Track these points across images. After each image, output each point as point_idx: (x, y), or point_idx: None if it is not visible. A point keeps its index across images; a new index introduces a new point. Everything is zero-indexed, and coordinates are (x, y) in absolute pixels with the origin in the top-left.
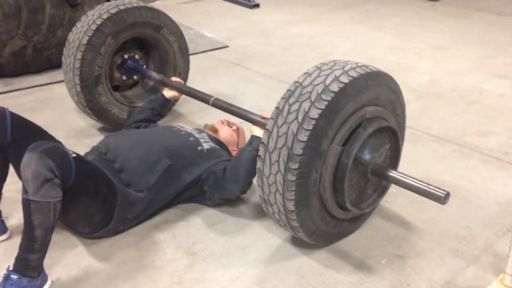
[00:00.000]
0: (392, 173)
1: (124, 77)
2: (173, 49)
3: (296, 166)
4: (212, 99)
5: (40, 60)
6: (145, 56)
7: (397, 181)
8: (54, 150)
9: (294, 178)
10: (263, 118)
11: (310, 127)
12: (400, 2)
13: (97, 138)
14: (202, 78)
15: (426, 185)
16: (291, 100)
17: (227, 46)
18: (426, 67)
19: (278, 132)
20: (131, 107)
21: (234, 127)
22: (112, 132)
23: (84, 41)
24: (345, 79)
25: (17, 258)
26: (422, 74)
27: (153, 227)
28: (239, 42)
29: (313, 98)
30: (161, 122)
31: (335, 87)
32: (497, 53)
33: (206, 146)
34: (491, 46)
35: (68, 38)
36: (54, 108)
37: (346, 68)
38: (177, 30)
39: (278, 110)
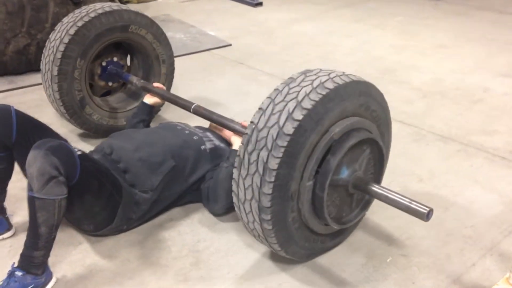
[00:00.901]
0: (374, 188)
1: (110, 83)
2: (148, 41)
3: (268, 217)
4: (193, 106)
5: None
6: (124, 55)
7: (379, 196)
8: (59, 147)
9: (270, 226)
10: (243, 127)
11: (272, 179)
12: (402, 1)
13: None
14: (205, 77)
15: (409, 200)
16: (249, 148)
17: (230, 45)
18: (429, 65)
19: (244, 184)
20: (118, 112)
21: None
22: (115, 132)
23: (55, 72)
24: (298, 115)
25: (21, 255)
26: (425, 73)
27: (157, 225)
28: (242, 40)
29: (269, 146)
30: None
31: (289, 128)
32: (500, 52)
33: (209, 145)
34: (494, 45)
35: (41, 67)
36: None
37: (299, 98)
38: (146, 21)
39: (239, 159)
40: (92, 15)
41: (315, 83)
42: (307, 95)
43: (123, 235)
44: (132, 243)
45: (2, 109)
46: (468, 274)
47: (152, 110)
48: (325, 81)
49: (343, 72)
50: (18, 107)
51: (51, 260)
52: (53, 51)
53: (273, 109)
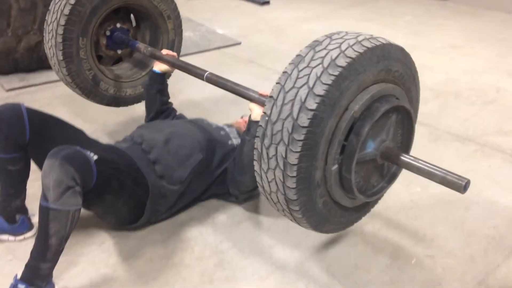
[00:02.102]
0: (405, 158)
1: (119, 51)
2: (148, 0)
3: (297, 208)
4: (206, 74)
5: None
6: (127, 18)
7: (411, 167)
8: (75, 156)
9: (300, 215)
10: (261, 95)
11: (295, 174)
12: (411, 1)
13: (117, 133)
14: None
15: (445, 171)
16: (266, 142)
17: (239, 43)
18: (441, 65)
19: (267, 177)
20: (134, 80)
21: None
22: (144, 123)
23: (60, 57)
24: (312, 104)
25: (27, 266)
26: (438, 73)
27: (179, 225)
28: (251, 39)
29: (286, 140)
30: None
31: (304, 120)
32: (510, 51)
33: (235, 141)
34: (504, 45)
35: (46, 52)
36: (70, 103)
37: (310, 83)
38: None
39: (258, 152)
40: None
41: (326, 62)
42: (318, 78)
43: (145, 234)
44: (154, 242)
45: (13, 108)
46: (494, 275)
47: (164, 78)
48: (337, 57)
49: (356, 38)
50: (30, 105)
51: (73, 260)
52: (53, 35)
53: (284, 98)
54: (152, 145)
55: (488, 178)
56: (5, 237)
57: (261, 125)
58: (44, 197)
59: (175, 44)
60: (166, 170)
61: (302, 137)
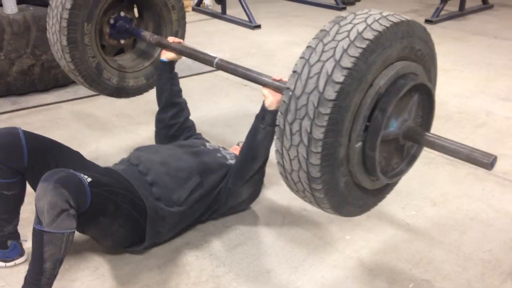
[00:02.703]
0: (429, 137)
1: (122, 41)
2: None
3: (320, 186)
4: (216, 60)
5: (47, 78)
6: (130, 7)
7: (435, 146)
8: (68, 179)
9: (322, 195)
10: (275, 80)
11: (319, 149)
12: None
13: (110, 158)
14: (210, 98)
15: (470, 149)
16: (289, 117)
17: None
18: None
19: (289, 155)
20: (137, 71)
21: None
22: (141, 146)
23: (65, 42)
24: (339, 77)
25: None
26: None
27: (174, 250)
28: (243, 62)
29: (311, 114)
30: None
31: (331, 93)
32: (498, 76)
33: (232, 162)
34: (492, 69)
35: (48, 37)
36: (63, 127)
37: (337, 56)
38: None
39: (280, 129)
40: None
41: (352, 35)
42: (345, 51)
43: (140, 260)
44: (150, 268)
45: (10, 133)
46: None
47: (173, 66)
48: (363, 30)
49: (381, 13)
50: (23, 128)
51: (66, 286)
52: (57, 19)
53: (309, 72)
54: (149, 167)
55: (482, 201)
56: None
57: (284, 101)
58: (38, 220)
59: (178, 36)
60: (164, 192)
61: (328, 111)
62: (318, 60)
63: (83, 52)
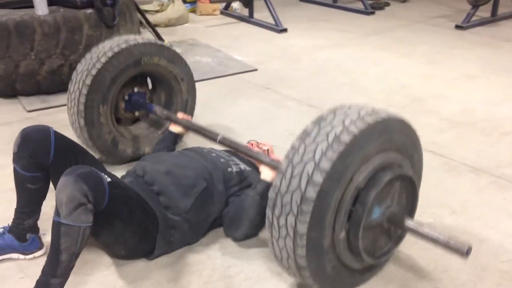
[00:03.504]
0: (409, 224)
1: (136, 113)
2: (162, 66)
3: (308, 274)
4: (219, 137)
5: None
6: (143, 81)
7: (414, 233)
8: (89, 175)
9: (311, 280)
10: (272, 160)
11: (304, 242)
12: (428, 30)
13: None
14: (233, 101)
15: (447, 238)
16: (276, 212)
17: (256, 70)
18: (457, 95)
19: (278, 245)
20: (138, 141)
21: (264, 147)
22: (146, 155)
23: (82, 123)
24: (318, 178)
25: (38, 282)
26: (454, 103)
27: (187, 248)
28: (268, 65)
29: (295, 211)
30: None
31: (311, 193)
32: None
33: (235, 168)
34: None
35: (69, 118)
36: None
37: (316, 158)
38: (156, 48)
39: (269, 222)
40: (103, 60)
41: (330, 138)
42: (323, 154)
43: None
44: (163, 265)
45: (42, 130)
46: None
47: (177, 139)
48: (340, 133)
49: (358, 113)
50: (50, 126)
51: (81, 280)
52: (75, 102)
53: (292, 172)
54: (154, 178)
55: (502, 211)
56: (15, 255)
57: (271, 196)
58: (56, 212)
59: (189, 103)
60: (171, 201)
61: (310, 209)
62: (300, 161)
63: (100, 130)
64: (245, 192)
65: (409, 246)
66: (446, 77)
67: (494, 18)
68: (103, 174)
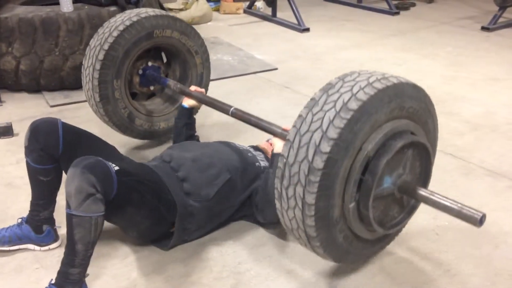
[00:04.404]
0: (422, 192)
1: (151, 87)
2: (175, 39)
3: (318, 243)
4: (231, 109)
5: None
6: (157, 55)
7: (427, 201)
8: (96, 165)
9: (322, 250)
10: (284, 130)
11: (313, 213)
12: (453, 32)
13: (147, 150)
14: (251, 99)
15: (460, 205)
16: (285, 182)
17: (276, 69)
18: (480, 98)
19: (288, 215)
20: (167, 114)
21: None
22: (174, 144)
23: (97, 98)
24: (326, 147)
25: (58, 273)
26: (476, 106)
27: (200, 244)
28: (288, 65)
29: (303, 181)
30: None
31: (319, 162)
32: None
33: (263, 164)
34: None
35: (85, 94)
36: None
37: (324, 127)
38: (168, 20)
39: (278, 192)
40: (115, 34)
41: (338, 105)
42: (331, 122)
43: (168, 252)
44: (175, 260)
45: (50, 122)
46: None
47: (192, 112)
48: (348, 100)
49: (368, 80)
50: (72, 121)
51: (96, 272)
52: (90, 78)
53: (300, 142)
54: (181, 163)
55: None
56: (31, 246)
57: (280, 167)
58: (67, 204)
59: (204, 77)
60: (194, 188)
61: (318, 179)
62: (308, 131)
63: (115, 105)
64: (265, 172)
65: (421, 248)
66: (470, 79)
67: None
68: (109, 163)
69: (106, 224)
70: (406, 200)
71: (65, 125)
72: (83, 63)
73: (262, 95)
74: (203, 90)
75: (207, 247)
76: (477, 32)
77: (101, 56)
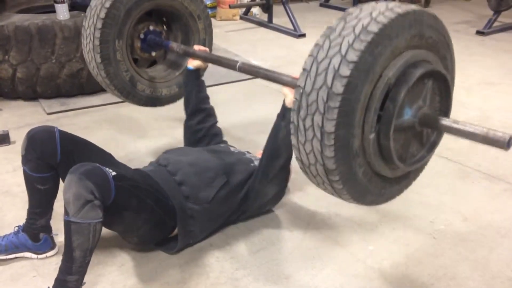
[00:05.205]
0: (444, 122)
1: (153, 53)
2: (178, 1)
3: (337, 178)
4: (238, 64)
5: (94, 82)
6: (159, 20)
7: (451, 130)
8: (93, 171)
9: (340, 186)
10: (295, 79)
11: (332, 142)
12: None
13: (146, 158)
14: (249, 105)
15: (486, 130)
16: (302, 113)
17: None
18: (475, 102)
19: (305, 149)
20: (169, 80)
21: None
22: (170, 149)
23: (99, 60)
24: (345, 71)
25: (56, 280)
26: (471, 109)
27: (197, 250)
28: (284, 70)
29: (322, 109)
30: None
31: (338, 87)
32: None
33: (257, 163)
34: None
35: (84, 56)
36: (107, 128)
37: (343, 51)
38: None
39: (294, 126)
40: None
41: (357, 29)
42: (350, 46)
43: (164, 259)
44: (172, 266)
45: (47, 130)
46: None
47: (199, 74)
48: (368, 24)
49: (386, 5)
50: (69, 129)
51: (92, 280)
52: (90, 38)
53: (317, 69)
54: (178, 168)
55: None
56: (28, 254)
57: (296, 98)
58: (65, 211)
59: (206, 43)
60: (192, 191)
61: (337, 104)
62: (325, 57)
63: (117, 67)
64: (274, 122)
65: (418, 252)
66: (465, 83)
67: None
68: (107, 169)
69: (102, 231)
70: (426, 136)
71: (62, 133)
72: (83, 24)
73: (260, 101)
74: (206, 48)
75: (204, 253)
76: (472, 36)
77: (102, 14)
